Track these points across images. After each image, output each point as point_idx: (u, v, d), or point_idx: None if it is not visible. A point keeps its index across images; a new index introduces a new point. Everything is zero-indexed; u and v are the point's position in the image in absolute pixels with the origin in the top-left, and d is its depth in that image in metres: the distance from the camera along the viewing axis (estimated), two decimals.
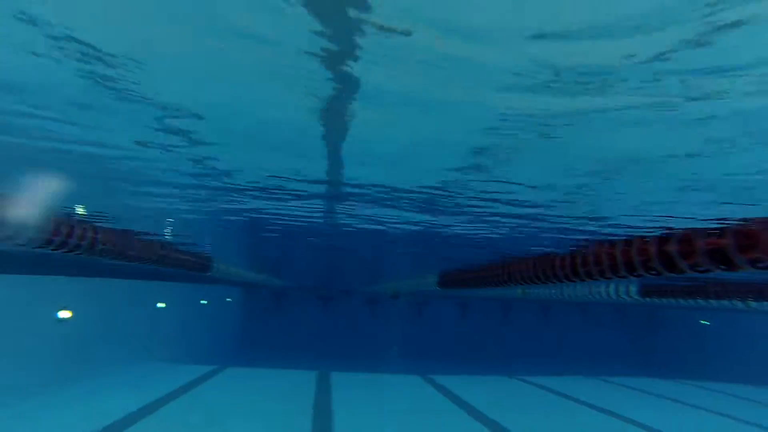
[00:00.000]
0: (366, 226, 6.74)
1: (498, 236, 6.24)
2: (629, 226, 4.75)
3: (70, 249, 5.17)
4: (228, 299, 28.09)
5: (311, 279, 26.54)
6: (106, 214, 5.69)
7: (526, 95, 2.54)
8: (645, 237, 4.28)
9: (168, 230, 7.82)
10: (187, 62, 2.52)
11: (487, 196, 4.47)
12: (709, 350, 23.45)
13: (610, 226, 4.75)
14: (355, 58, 2.31)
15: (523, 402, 13.52)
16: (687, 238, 4.06)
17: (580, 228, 5.04)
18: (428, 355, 25.81)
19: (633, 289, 12.20)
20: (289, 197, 5.41)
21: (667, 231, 4.40)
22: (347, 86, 2.60)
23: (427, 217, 5.61)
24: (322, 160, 3.87)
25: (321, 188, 4.95)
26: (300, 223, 6.80)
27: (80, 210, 5.31)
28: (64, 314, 11.13)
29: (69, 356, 11.40)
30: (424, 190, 4.51)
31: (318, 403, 11.22)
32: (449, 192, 4.46)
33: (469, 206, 4.98)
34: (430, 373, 16.58)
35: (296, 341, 28.53)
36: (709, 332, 24.40)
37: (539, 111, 2.74)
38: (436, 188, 4.40)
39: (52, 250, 4.97)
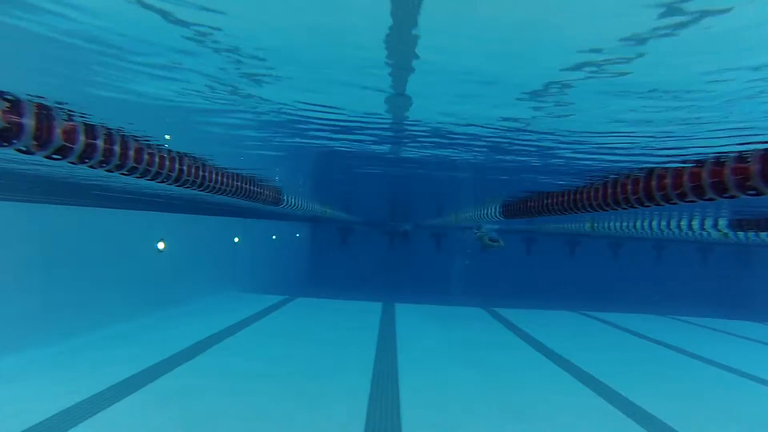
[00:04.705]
0: (431, 152, 6.72)
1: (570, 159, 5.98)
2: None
3: (162, 179, 5.64)
4: (297, 235, 29.36)
5: (378, 214, 27.07)
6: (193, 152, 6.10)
7: None
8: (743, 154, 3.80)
9: (241, 166, 8.21)
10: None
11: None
12: None
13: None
14: None
15: (588, 337, 13.43)
16: None
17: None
18: (493, 289, 26.01)
19: (723, 222, 10.73)
20: (357, 129, 5.47)
21: None
22: None
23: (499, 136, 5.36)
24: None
25: (387, 120, 4.93)
26: (366, 151, 6.88)
27: (167, 144, 5.73)
28: (161, 245, 12.26)
29: (168, 283, 12.66)
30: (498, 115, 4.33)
31: (382, 332, 11.68)
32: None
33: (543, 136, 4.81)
34: (494, 306, 16.80)
35: (362, 275, 29.52)
36: None
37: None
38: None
39: (158, 182, 5.43)
